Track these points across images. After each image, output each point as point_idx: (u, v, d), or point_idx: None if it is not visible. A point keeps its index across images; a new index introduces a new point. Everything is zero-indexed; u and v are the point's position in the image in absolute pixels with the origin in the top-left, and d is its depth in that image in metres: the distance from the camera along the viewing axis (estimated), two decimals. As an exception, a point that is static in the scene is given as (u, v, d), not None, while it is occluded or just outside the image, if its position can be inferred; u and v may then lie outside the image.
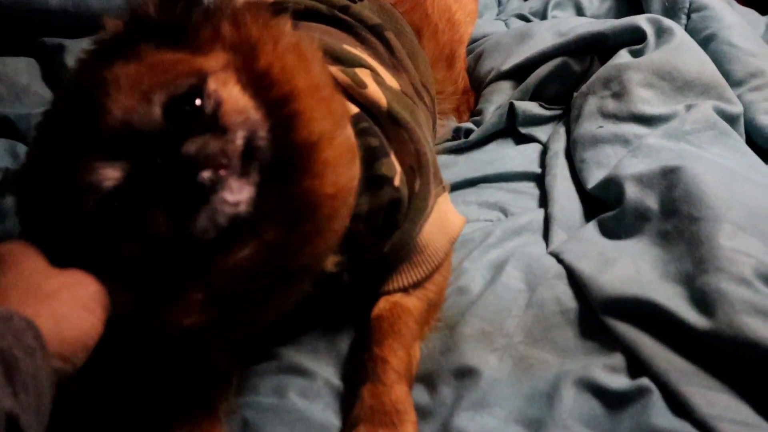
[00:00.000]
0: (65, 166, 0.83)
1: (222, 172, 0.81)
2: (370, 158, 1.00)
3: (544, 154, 1.55)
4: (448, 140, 1.66)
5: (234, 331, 0.94)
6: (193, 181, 0.79)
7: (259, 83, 0.89)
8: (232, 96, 0.86)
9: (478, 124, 1.68)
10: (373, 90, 1.08)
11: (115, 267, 0.83)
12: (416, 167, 1.08)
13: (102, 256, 0.83)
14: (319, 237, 0.89)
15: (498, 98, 1.72)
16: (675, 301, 0.99)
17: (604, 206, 1.29)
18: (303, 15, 1.25)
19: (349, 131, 0.96)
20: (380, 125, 1.07)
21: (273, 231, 0.86)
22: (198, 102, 0.84)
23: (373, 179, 1.00)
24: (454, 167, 1.54)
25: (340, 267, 0.97)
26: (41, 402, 0.66)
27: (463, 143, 1.63)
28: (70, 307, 0.74)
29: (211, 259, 0.85)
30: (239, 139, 0.84)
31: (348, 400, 0.99)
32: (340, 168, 0.90)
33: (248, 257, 0.85)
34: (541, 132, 1.62)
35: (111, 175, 0.80)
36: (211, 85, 0.85)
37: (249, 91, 0.88)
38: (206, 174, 0.80)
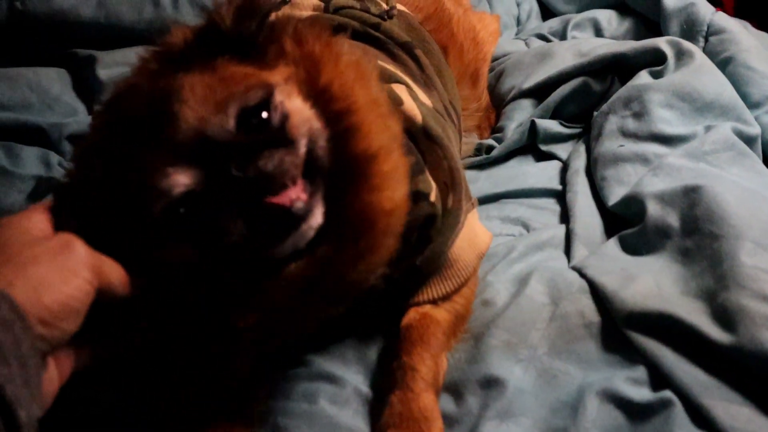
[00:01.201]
0: (131, 167, 0.83)
1: (305, 197, 0.83)
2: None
3: (564, 171, 1.58)
4: (469, 156, 1.69)
5: (276, 338, 0.96)
6: (287, 211, 0.81)
7: (320, 97, 0.91)
8: (296, 108, 0.88)
9: (499, 140, 1.71)
10: (409, 106, 1.10)
11: (166, 269, 0.85)
12: (449, 183, 1.11)
13: (155, 258, 0.85)
14: (372, 253, 0.91)
15: (519, 116, 1.75)
16: (697, 316, 1.01)
17: (624, 223, 1.32)
18: (336, 31, 1.28)
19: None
20: (415, 141, 1.09)
21: (326, 246, 0.88)
22: (264, 115, 0.86)
23: (410, 194, 1.01)
24: (476, 183, 1.58)
25: (381, 280, 0.98)
26: (28, 372, 0.65)
27: (484, 159, 1.66)
28: (49, 271, 0.72)
29: (266, 270, 0.87)
30: (302, 147, 0.86)
31: (376, 407, 1.01)
32: (397, 183, 0.92)
33: (300, 271, 0.88)
34: (561, 150, 1.65)
35: (182, 181, 0.81)
36: (278, 97, 0.87)
37: (309, 102, 0.90)
38: (299, 205, 0.82)
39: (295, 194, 0.82)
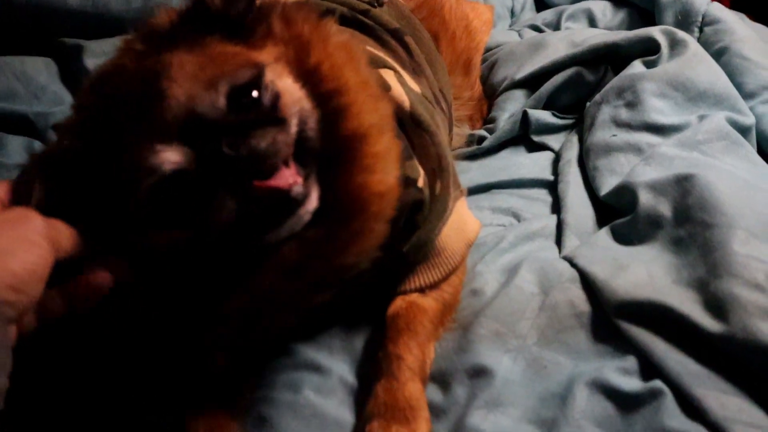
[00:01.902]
0: (116, 145, 0.81)
1: (300, 180, 0.82)
2: None
3: (556, 161, 1.56)
4: (461, 147, 1.67)
5: (262, 326, 0.94)
6: (286, 195, 0.80)
7: (310, 78, 0.89)
8: (287, 87, 0.87)
9: (491, 131, 1.69)
10: (397, 92, 1.09)
11: (150, 251, 0.84)
12: (437, 170, 1.09)
13: (140, 240, 0.84)
14: (364, 237, 0.90)
15: (511, 106, 1.74)
16: (688, 305, 1.00)
17: (617, 214, 1.30)
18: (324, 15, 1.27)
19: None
20: (402, 127, 1.08)
21: (318, 229, 0.86)
22: (255, 94, 0.84)
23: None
24: (468, 173, 1.56)
25: (371, 264, 0.96)
26: None
27: (476, 150, 1.64)
28: (11, 241, 0.73)
29: (256, 253, 0.85)
30: (293, 127, 0.85)
31: (362, 397, 1.00)
32: (390, 165, 0.91)
33: (290, 255, 0.86)
34: (554, 140, 1.64)
35: (172, 158, 0.79)
36: (268, 76, 0.86)
37: (299, 83, 0.89)
38: (298, 189, 0.81)
39: (292, 177, 0.81)
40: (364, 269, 0.95)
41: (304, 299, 0.93)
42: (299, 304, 0.94)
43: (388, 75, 1.11)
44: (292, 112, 0.85)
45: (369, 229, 0.90)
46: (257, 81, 0.85)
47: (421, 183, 1.04)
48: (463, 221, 1.15)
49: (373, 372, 1.01)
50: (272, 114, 0.84)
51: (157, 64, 0.84)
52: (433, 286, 1.10)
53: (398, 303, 1.08)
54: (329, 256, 0.89)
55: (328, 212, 0.87)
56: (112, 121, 0.83)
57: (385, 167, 0.90)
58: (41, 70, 1.74)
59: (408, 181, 1.02)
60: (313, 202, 0.84)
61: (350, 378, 1.03)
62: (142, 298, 0.87)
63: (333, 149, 0.88)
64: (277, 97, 0.85)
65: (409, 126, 1.08)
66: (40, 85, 1.71)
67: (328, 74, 0.90)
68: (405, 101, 1.08)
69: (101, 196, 0.83)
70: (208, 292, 0.87)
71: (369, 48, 1.17)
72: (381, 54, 1.19)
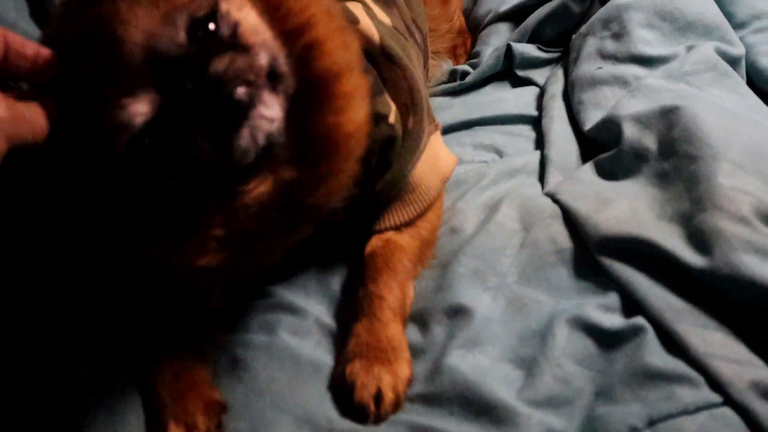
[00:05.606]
0: (89, 103, 0.77)
1: (254, 87, 0.77)
2: None
3: (540, 97, 1.52)
4: (443, 82, 1.63)
5: (239, 270, 0.91)
6: (229, 99, 0.75)
7: (275, 13, 0.84)
8: (248, 18, 0.82)
9: (474, 66, 1.66)
10: (366, 25, 1.05)
11: (143, 204, 0.81)
12: (410, 105, 1.06)
13: (132, 194, 0.81)
14: (334, 177, 0.87)
15: (495, 40, 1.70)
16: (672, 240, 0.98)
17: (601, 149, 1.26)
18: None
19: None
20: (373, 62, 1.04)
21: (290, 168, 0.83)
22: (212, 26, 0.79)
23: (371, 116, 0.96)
24: (449, 109, 1.52)
25: (342, 206, 0.94)
26: None
27: (458, 85, 1.60)
28: None
29: (234, 194, 0.82)
30: (263, 58, 0.80)
31: (339, 339, 0.98)
32: (359, 103, 0.87)
33: (265, 194, 0.83)
34: (539, 75, 1.60)
35: (141, 110, 0.75)
36: (223, 6, 0.81)
37: (264, 19, 0.84)
38: (241, 90, 0.75)
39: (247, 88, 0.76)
40: (338, 208, 0.93)
41: (281, 239, 0.90)
42: (276, 244, 0.91)
43: (355, 8, 1.06)
44: (257, 41, 0.81)
45: (339, 169, 0.87)
46: (213, 13, 0.80)
47: (392, 119, 1.01)
48: (438, 156, 1.12)
49: (352, 312, 0.99)
50: (233, 42, 0.80)
51: (109, 8, 0.78)
52: (409, 223, 1.08)
53: (375, 242, 1.06)
54: (298, 197, 0.85)
55: (301, 151, 0.84)
56: (79, 76, 0.78)
57: (355, 106, 0.86)
58: (10, 7, 1.67)
59: (379, 117, 0.99)
60: (271, 109, 0.79)
61: (327, 319, 1.01)
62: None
63: (305, 88, 0.83)
64: (236, 26, 0.81)
65: (380, 60, 1.04)
66: (10, 23, 1.64)
67: (294, 7, 0.85)
68: (374, 35, 1.04)
69: (87, 157, 0.80)
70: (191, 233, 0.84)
71: None
72: None
